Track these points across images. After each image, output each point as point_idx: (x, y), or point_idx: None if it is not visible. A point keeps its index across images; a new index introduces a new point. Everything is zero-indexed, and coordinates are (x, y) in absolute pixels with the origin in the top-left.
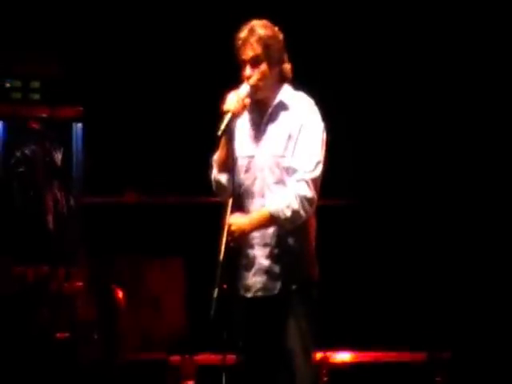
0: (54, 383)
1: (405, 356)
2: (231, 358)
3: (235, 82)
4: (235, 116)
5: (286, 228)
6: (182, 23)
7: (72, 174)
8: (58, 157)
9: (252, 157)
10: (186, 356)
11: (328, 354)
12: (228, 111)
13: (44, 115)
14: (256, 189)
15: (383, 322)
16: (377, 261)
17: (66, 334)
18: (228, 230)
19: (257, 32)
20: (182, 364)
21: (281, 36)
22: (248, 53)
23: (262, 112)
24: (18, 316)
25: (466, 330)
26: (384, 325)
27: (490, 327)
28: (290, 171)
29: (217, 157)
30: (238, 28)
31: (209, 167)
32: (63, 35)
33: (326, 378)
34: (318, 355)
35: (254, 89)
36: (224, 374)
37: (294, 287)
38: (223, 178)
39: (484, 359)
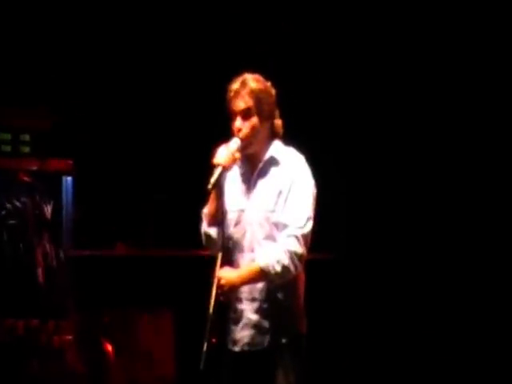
0: None
1: None
2: None
3: (226, 134)
4: (225, 170)
5: (275, 283)
6: (173, 72)
7: (62, 226)
8: (48, 209)
9: (242, 211)
10: None
11: None
12: (218, 165)
13: (34, 168)
14: (246, 243)
15: (371, 372)
16: (364, 313)
17: None
18: (218, 284)
19: (249, 85)
20: None
21: (273, 91)
22: (239, 104)
23: (253, 166)
24: (8, 368)
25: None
26: (372, 375)
27: None
28: (280, 226)
29: (207, 210)
30: (230, 79)
31: (199, 220)
32: (53, 89)
33: None
34: None
35: (244, 143)
36: None
37: (283, 341)
38: (213, 231)
39: None
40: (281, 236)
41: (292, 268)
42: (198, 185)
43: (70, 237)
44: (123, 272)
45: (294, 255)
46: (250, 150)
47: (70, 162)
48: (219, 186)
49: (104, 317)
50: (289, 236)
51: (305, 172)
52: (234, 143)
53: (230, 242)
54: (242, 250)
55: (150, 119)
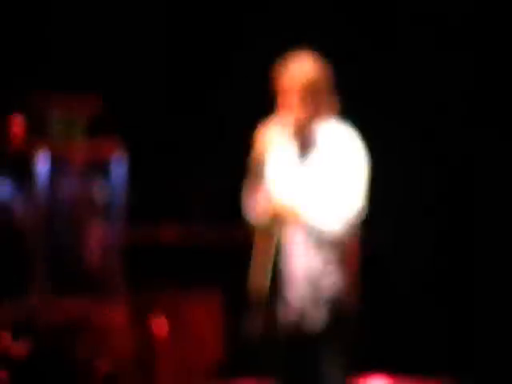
0: None
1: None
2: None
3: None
4: (269, 153)
5: (322, 231)
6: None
7: (113, 208)
8: (100, 192)
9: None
10: None
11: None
12: (264, 150)
13: (86, 152)
14: None
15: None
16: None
17: (107, 368)
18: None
19: (306, 64)
20: None
21: (328, 70)
22: (295, 83)
23: (306, 141)
24: (60, 349)
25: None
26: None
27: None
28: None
29: (251, 184)
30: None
31: (243, 192)
32: (105, 77)
33: None
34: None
35: (300, 121)
36: None
37: (334, 322)
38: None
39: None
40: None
41: (345, 220)
42: (245, 163)
43: (121, 219)
44: (172, 253)
45: (349, 211)
46: (305, 128)
47: (121, 145)
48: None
49: (154, 297)
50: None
51: (359, 146)
52: (284, 122)
53: None
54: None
55: (199, 103)
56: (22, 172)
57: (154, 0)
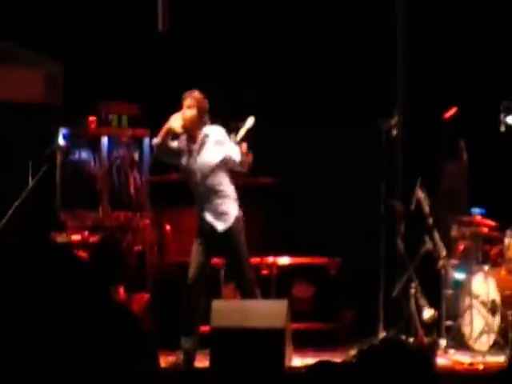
0: None
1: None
2: None
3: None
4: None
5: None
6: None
7: (143, 164)
8: (136, 156)
9: None
10: None
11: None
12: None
13: (129, 134)
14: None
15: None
16: None
17: (139, 249)
18: None
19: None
20: None
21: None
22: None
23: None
24: (115, 239)
25: None
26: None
27: None
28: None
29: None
30: None
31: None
32: (143, 89)
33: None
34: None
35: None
36: None
37: None
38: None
39: None
40: None
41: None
42: None
43: (147, 170)
44: (178, 187)
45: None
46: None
47: (148, 131)
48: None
49: (165, 212)
50: None
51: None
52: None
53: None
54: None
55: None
56: (95, 145)
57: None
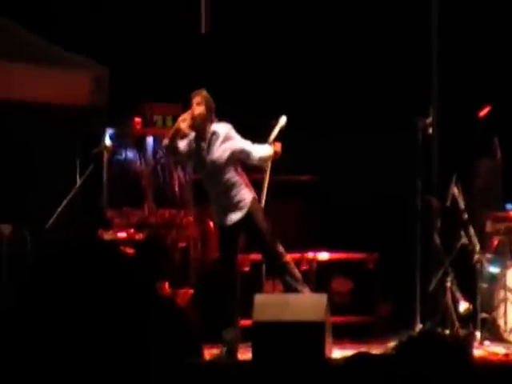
0: None
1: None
2: None
3: None
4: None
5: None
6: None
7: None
8: None
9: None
10: None
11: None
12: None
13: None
14: None
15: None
16: None
17: (183, 245)
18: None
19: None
20: None
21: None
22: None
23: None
24: (159, 236)
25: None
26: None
27: None
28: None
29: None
30: None
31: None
32: (186, 90)
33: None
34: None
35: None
36: None
37: None
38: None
39: None
40: None
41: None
42: None
43: (190, 168)
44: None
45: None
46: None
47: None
48: None
49: (207, 210)
50: None
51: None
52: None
53: None
54: None
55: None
56: (140, 144)
57: None
